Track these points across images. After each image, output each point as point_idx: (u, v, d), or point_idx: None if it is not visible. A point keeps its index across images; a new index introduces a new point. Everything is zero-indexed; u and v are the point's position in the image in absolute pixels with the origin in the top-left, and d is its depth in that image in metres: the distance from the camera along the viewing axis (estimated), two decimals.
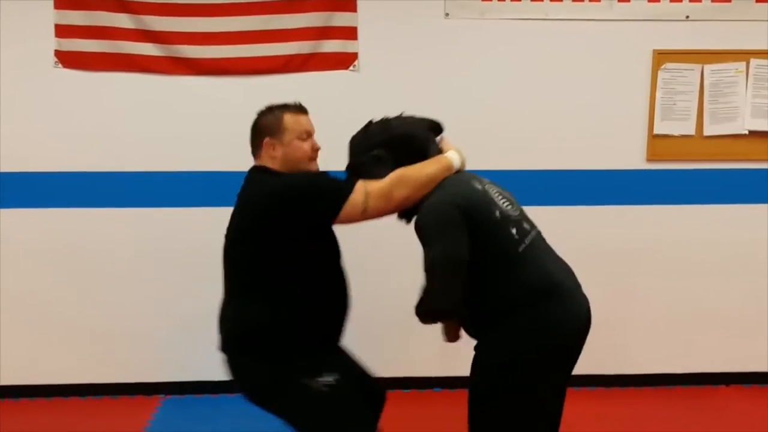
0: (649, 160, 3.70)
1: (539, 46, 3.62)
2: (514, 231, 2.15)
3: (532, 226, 2.26)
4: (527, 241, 2.17)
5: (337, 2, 3.51)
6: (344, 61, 3.56)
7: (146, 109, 3.56)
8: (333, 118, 3.55)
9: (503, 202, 2.20)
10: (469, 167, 3.53)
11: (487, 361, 2.15)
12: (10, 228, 3.61)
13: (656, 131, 3.67)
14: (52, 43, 3.47)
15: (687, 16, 3.59)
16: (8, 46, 3.48)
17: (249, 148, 2.40)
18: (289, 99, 3.48)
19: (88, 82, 3.52)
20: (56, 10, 3.44)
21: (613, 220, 3.75)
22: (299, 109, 2.38)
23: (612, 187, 3.74)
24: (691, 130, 3.67)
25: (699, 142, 3.68)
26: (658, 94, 3.64)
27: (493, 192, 2.22)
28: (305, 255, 2.20)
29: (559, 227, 3.65)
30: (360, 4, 3.53)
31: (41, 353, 3.71)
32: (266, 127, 2.34)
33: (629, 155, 3.71)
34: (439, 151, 2.29)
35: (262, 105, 3.37)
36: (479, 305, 2.13)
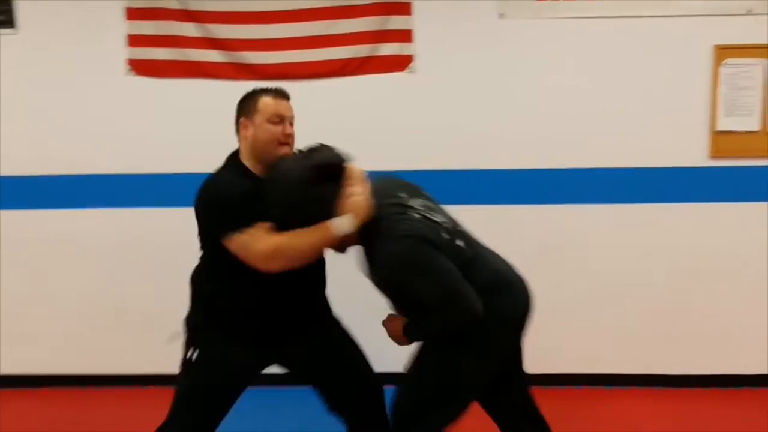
0: (713, 156, 3.63)
1: (596, 45, 3.61)
2: (461, 243, 2.22)
3: (462, 228, 2.32)
4: (473, 245, 2.28)
5: (392, 6, 3.59)
6: (400, 63, 3.63)
7: (212, 112, 3.70)
8: (390, 119, 3.68)
9: (440, 219, 2.22)
10: (527, 166, 3.58)
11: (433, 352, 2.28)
12: (85, 226, 3.83)
13: (719, 128, 3.60)
14: (124, 51, 3.67)
15: (749, 11, 3.52)
16: (83, 55, 3.70)
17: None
18: (346, 101, 3.65)
19: (158, 88, 3.70)
20: (128, 21, 3.64)
21: (677, 218, 3.69)
22: (277, 94, 2.40)
23: (675, 184, 3.68)
24: (755, 125, 3.59)
25: (764, 137, 3.59)
26: (721, 90, 3.57)
27: (429, 212, 2.21)
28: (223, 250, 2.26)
29: (626, 225, 3.69)
30: (415, 6, 3.59)
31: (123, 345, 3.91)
32: (243, 107, 2.41)
33: (692, 152, 3.65)
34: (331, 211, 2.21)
35: (321, 108, 3.53)
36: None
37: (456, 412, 2.29)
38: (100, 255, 3.84)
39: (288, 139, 2.38)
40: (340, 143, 3.23)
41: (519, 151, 3.68)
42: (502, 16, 3.59)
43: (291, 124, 2.41)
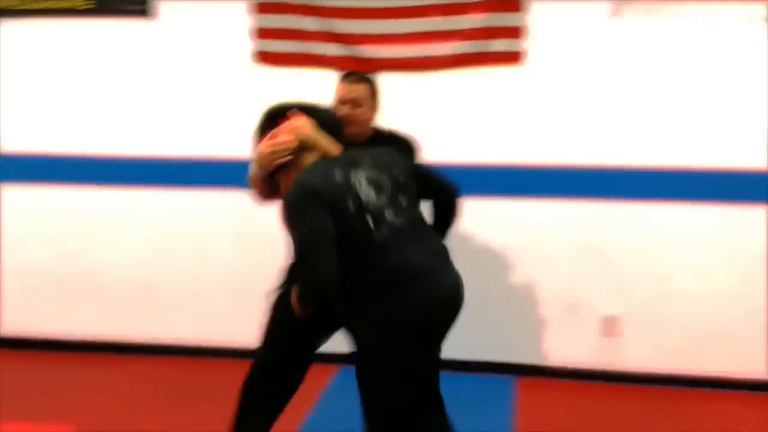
0: None
1: (704, 43, 3.65)
2: (370, 220, 2.15)
3: (404, 212, 2.24)
4: (385, 229, 2.17)
5: (503, 3, 3.72)
6: (512, 58, 3.75)
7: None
8: (499, 113, 3.81)
9: (368, 191, 2.18)
10: (635, 161, 3.62)
11: (363, 344, 2.24)
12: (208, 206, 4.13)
13: None
14: (250, 43, 3.93)
15: None
16: (214, 48, 3.99)
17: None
18: (458, 94, 3.78)
19: (282, 78, 3.92)
20: (257, 14, 3.90)
21: None
22: (347, 78, 2.84)
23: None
24: None
25: None
26: None
27: (360, 180, 2.19)
28: None
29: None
30: (529, 4, 3.71)
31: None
32: None
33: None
34: None
35: (431, 100, 3.69)
36: (346, 290, 2.15)
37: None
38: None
39: (346, 119, 2.67)
40: (449, 134, 3.41)
41: (626, 148, 3.75)
42: (614, 14, 3.66)
43: (356, 106, 2.74)
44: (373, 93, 2.87)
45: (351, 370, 2.27)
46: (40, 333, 4.29)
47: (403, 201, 2.25)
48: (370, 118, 2.86)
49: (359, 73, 2.92)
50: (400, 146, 2.73)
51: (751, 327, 3.73)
